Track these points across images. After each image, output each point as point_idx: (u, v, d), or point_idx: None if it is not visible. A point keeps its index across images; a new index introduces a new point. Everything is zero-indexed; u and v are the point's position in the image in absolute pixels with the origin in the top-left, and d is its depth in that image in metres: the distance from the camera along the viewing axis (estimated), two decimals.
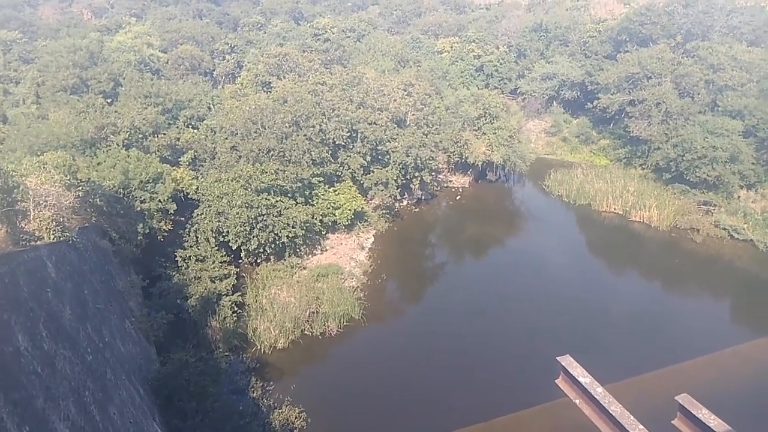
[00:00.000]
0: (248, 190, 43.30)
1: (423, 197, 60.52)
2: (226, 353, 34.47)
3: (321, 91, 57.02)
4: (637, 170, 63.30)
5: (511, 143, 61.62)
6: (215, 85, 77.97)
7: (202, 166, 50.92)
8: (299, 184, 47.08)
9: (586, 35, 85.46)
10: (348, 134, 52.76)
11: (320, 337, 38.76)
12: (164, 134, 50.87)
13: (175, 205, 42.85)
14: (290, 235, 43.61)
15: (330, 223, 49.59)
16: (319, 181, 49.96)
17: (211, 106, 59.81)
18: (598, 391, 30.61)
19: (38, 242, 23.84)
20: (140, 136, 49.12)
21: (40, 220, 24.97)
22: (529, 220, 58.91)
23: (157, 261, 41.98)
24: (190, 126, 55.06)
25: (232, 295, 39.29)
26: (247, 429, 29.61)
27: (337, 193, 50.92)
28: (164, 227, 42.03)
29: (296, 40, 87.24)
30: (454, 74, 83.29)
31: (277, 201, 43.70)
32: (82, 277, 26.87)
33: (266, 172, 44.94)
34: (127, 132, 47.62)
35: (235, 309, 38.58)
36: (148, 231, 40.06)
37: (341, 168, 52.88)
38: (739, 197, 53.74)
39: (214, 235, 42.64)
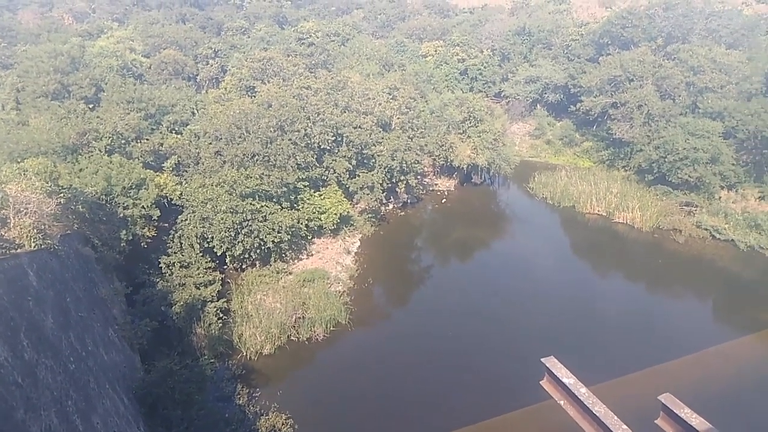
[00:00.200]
0: (233, 195, 43.05)
1: (409, 201, 60.61)
2: (212, 360, 34.08)
3: (306, 96, 56.94)
4: (620, 172, 63.97)
5: (496, 146, 61.96)
6: (199, 90, 77.45)
7: (186, 171, 50.53)
8: (284, 189, 46.90)
9: (568, 39, 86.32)
10: (333, 138, 52.72)
11: (307, 342, 38.60)
12: (147, 140, 50.40)
13: (158, 211, 42.47)
14: (276, 240, 43.41)
15: (316, 228, 49.48)
16: (305, 186, 49.83)
17: (195, 111, 59.41)
18: (582, 391, 30.78)
19: (19, 250, 23.52)
20: (123, 141, 48.64)
21: (21, 228, 24.63)
22: (514, 222, 59.26)
23: (141, 268, 41.57)
24: (174, 131, 54.61)
25: (218, 301, 39.00)
26: None
27: (322, 197, 50.81)
28: (148, 233, 41.61)
29: (280, 44, 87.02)
30: (438, 78, 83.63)
31: (262, 206, 43.49)
32: (64, 285, 26.52)
33: (251, 177, 44.72)
34: (109, 138, 47.13)
35: (221, 315, 38.30)
36: (131, 238, 39.66)
37: (327, 172, 52.81)
38: (720, 198, 54.51)
39: (198, 241, 42.32)
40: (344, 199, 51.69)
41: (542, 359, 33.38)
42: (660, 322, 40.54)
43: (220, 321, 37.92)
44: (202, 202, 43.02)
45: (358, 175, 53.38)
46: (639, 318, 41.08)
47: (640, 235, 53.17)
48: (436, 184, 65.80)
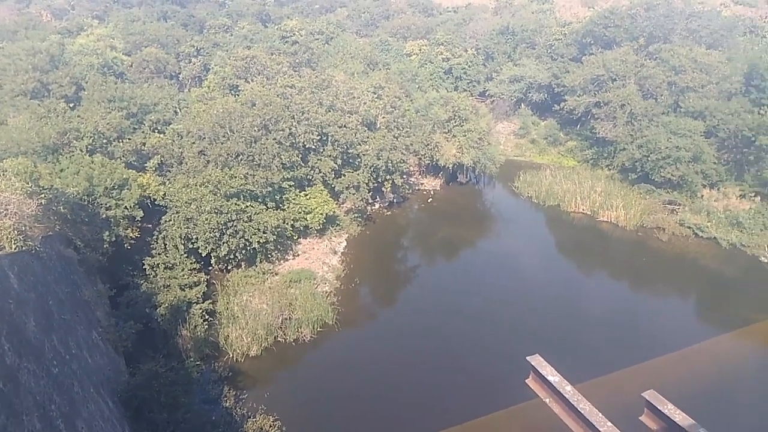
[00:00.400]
0: (217, 195, 42.63)
1: (395, 200, 60.56)
2: (198, 362, 33.78)
3: (290, 94, 56.57)
4: (604, 171, 64.54)
5: (481, 145, 62.15)
6: (181, 89, 76.56)
7: (170, 171, 49.90)
8: (269, 189, 46.56)
9: (552, 38, 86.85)
10: (318, 137, 52.46)
11: (294, 343, 38.38)
12: (129, 139, 49.66)
13: (141, 211, 41.88)
14: (261, 241, 43.07)
15: (302, 228, 49.20)
16: (290, 186, 49.51)
17: (178, 110, 58.68)
18: (567, 389, 31.06)
19: None
20: (104, 141, 47.88)
21: (1, 230, 24.21)
22: (500, 221, 59.51)
23: (125, 269, 41.01)
24: (156, 130, 53.84)
25: (203, 302, 38.65)
26: None
27: (308, 197, 50.54)
28: (131, 234, 41.00)
29: (264, 42, 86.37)
30: (423, 77, 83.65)
31: (247, 206, 43.12)
32: (47, 287, 26.04)
33: (235, 177, 44.31)
34: (90, 137, 46.36)
35: (206, 317, 37.95)
36: (114, 239, 39.05)
37: (312, 172, 52.53)
38: (702, 196, 55.25)
39: (183, 241, 41.83)
40: (330, 198, 51.46)
41: (528, 358, 33.61)
42: (644, 320, 40.98)
43: (206, 323, 37.55)
44: (186, 202, 42.53)
45: (344, 175, 53.20)
46: (623, 316, 41.50)
47: (624, 234, 53.70)
48: (422, 184, 65.83)
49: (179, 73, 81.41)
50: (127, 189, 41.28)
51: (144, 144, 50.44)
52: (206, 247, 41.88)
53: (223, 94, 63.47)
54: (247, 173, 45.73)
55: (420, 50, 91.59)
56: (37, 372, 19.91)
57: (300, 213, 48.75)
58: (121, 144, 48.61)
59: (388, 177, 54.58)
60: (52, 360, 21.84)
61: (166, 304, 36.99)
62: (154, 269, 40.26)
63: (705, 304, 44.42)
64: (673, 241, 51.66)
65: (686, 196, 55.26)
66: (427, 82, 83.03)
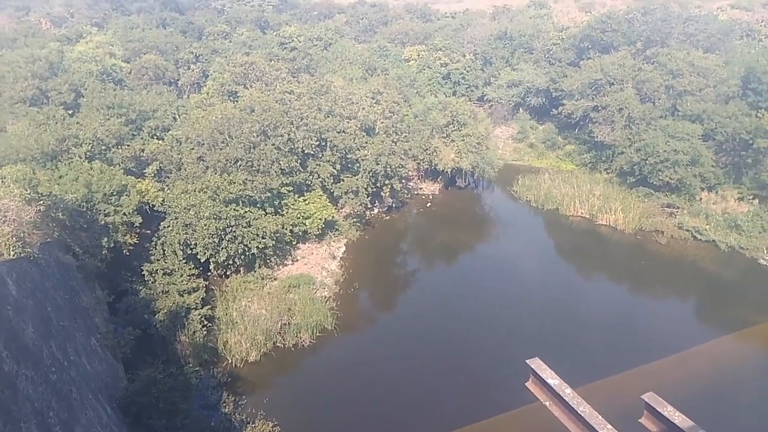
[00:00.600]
0: (216, 201, 42.68)
1: (393, 205, 60.61)
2: (197, 368, 33.71)
3: (289, 100, 56.70)
4: (602, 174, 64.60)
5: (480, 150, 62.28)
6: (180, 95, 76.81)
7: (168, 177, 49.99)
8: (268, 194, 46.61)
9: (549, 43, 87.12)
10: (317, 143, 52.55)
11: (293, 348, 38.34)
12: (128, 145, 49.76)
13: (140, 217, 41.93)
14: (260, 246, 43.09)
15: (300, 233, 49.20)
16: (289, 191, 49.55)
17: (177, 117, 58.86)
18: (567, 392, 31.07)
19: None
20: (103, 147, 47.96)
21: (0, 236, 24.15)
22: (498, 225, 59.53)
23: (123, 276, 40.98)
24: (155, 137, 53.99)
25: (202, 308, 38.59)
26: None
27: (307, 202, 50.59)
28: (130, 241, 41.04)
29: (262, 48, 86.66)
30: (421, 82, 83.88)
31: (246, 212, 43.16)
32: (45, 293, 26.04)
33: (234, 183, 44.38)
34: (89, 144, 46.44)
35: (205, 323, 37.90)
36: (113, 245, 39.10)
37: (311, 177, 52.59)
38: (700, 199, 55.28)
39: (181, 247, 41.86)
40: (329, 204, 51.53)
41: (527, 361, 33.65)
42: (643, 322, 40.96)
43: (205, 328, 37.49)
44: (184, 208, 42.57)
45: (343, 180, 53.25)
46: (622, 319, 41.47)
47: (622, 237, 53.70)
48: (420, 188, 65.90)
49: (178, 80, 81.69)
50: (126, 195, 41.35)
51: (143, 150, 50.55)
52: (205, 253, 41.90)
53: (222, 100, 63.63)
54: (246, 179, 45.80)
55: (418, 56, 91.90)
56: (35, 379, 19.91)
57: (299, 218, 48.78)
58: (119, 150, 48.71)
59: (386, 182, 54.63)
60: (50, 366, 21.83)
61: (165, 310, 36.96)
62: (153, 275, 40.27)
63: (704, 307, 44.37)
64: (672, 244, 51.67)
65: (684, 199, 55.29)
66: (425, 87, 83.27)
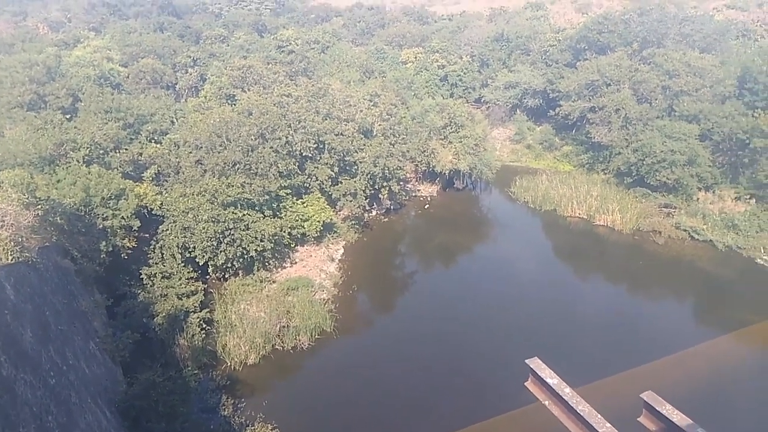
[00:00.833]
0: (214, 204, 42.71)
1: (392, 207, 60.69)
2: (196, 371, 33.74)
3: (286, 103, 56.79)
4: (600, 175, 64.74)
5: (477, 151, 62.39)
6: (178, 99, 76.79)
7: (166, 181, 50.02)
8: (267, 197, 46.66)
9: (546, 44, 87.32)
10: (315, 146, 52.62)
11: (292, 351, 38.37)
12: (126, 149, 49.79)
13: (138, 221, 41.93)
14: (258, 249, 43.13)
15: (299, 236, 49.24)
16: (287, 194, 49.60)
17: (175, 120, 58.87)
18: (566, 391, 31.14)
19: None
20: (101, 152, 47.95)
21: None
22: (496, 226, 59.63)
23: (122, 279, 40.98)
24: (153, 140, 53.99)
25: (200, 311, 38.57)
26: None
27: (305, 205, 50.64)
28: (128, 244, 41.02)
29: (260, 52, 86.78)
30: (419, 84, 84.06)
31: (244, 214, 43.20)
32: (43, 298, 26.06)
33: (232, 186, 44.43)
34: (87, 148, 46.45)
35: (204, 326, 37.89)
36: (111, 249, 39.07)
37: (309, 180, 52.66)
38: (697, 199, 55.40)
39: (180, 251, 41.88)
40: (327, 206, 51.58)
41: (526, 361, 33.73)
42: (641, 323, 41.04)
43: (204, 331, 37.50)
44: (183, 211, 42.61)
45: (341, 182, 53.33)
46: (620, 319, 41.54)
47: (620, 237, 53.81)
48: (418, 190, 66.00)
49: (176, 84, 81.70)
50: (124, 199, 41.33)
51: (141, 154, 50.56)
52: (203, 256, 41.93)
53: (220, 103, 63.70)
54: (244, 182, 45.84)
55: (415, 58, 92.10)
56: (34, 383, 19.92)
57: (297, 221, 48.82)
58: (117, 154, 48.73)
59: (384, 184, 54.74)
60: (49, 371, 21.85)
61: (164, 314, 36.95)
62: (152, 279, 40.27)
63: (701, 307, 44.46)
64: (670, 244, 51.78)
65: (682, 200, 55.44)
66: (422, 90, 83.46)
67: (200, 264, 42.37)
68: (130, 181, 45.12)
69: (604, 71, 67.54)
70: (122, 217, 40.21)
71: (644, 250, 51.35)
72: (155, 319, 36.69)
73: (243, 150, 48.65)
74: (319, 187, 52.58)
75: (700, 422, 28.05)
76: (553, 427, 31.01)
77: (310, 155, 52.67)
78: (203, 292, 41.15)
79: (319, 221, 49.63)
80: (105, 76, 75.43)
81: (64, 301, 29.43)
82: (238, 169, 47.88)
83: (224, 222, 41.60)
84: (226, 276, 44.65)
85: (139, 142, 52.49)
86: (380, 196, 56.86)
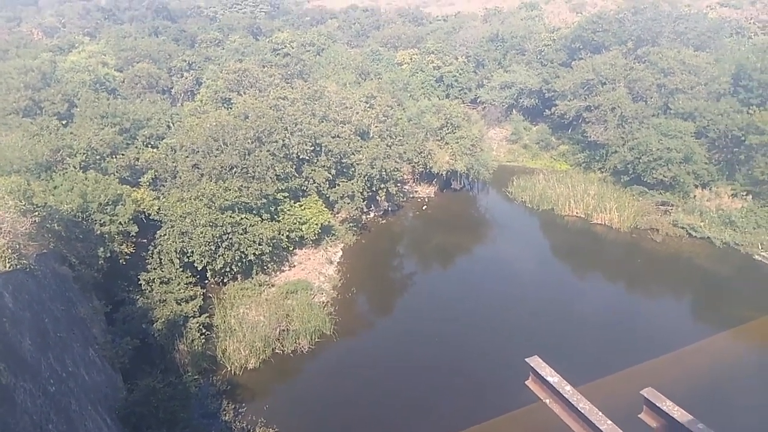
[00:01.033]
0: (212, 208, 42.65)
1: (389, 208, 60.68)
2: (196, 377, 33.68)
3: (283, 106, 56.76)
4: (597, 174, 64.85)
5: (474, 152, 62.43)
6: (174, 103, 76.74)
7: (164, 185, 49.96)
8: (264, 201, 46.62)
9: (541, 44, 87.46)
10: (312, 148, 52.62)
11: (292, 355, 38.32)
12: (123, 155, 49.73)
13: (136, 227, 41.87)
14: (257, 253, 43.08)
15: (297, 239, 49.24)
16: (285, 197, 49.58)
17: (171, 125, 58.80)
18: (567, 389, 31.06)
19: None
20: (98, 157, 47.90)
21: None
22: (494, 226, 59.67)
23: (120, 285, 40.89)
24: (150, 145, 53.92)
25: (200, 316, 38.54)
26: None
27: (303, 207, 50.62)
28: (126, 250, 40.96)
29: (255, 55, 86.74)
30: (414, 85, 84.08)
31: (242, 218, 43.15)
32: (42, 305, 25.99)
33: (230, 190, 44.39)
34: (83, 154, 46.39)
35: (203, 331, 37.85)
36: (109, 255, 39.00)
37: (306, 182, 52.65)
38: (694, 196, 55.53)
39: (178, 256, 41.81)
40: (325, 208, 51.55)
41: (527, 359, 33.60)
42: (640, 321, 41.11)
43: (203, 336, 37.44)
44: (180, 216, 42.54)
45: (338, 185, 53.33)
46: (619, 318, 41.61)
47: (618, 236, 53.90)
48: (416, 191, 66.02)
49: (171, 88, 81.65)
50: (122, 204, 41.26)
51: (137, 159, 50.51)
52: (202, 261, 41.86)
53: (216, 107, 63.62)
54: (242, 185, 45.81)
55: (411, 59, 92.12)
56: (33, 391, 19.85)
57: (295, 224, 48.81)
58: (114, 160, 48.67)
59: (382, 186, 54.76)
60: (48, 378, 21.78)
61: (163, 319, 36.88)
62: (150, 284, 40.19)
63: (700, 304, 44.57)
64: (667, 241, 51.89)
65: (679, 197, 55.56)
66: (418, 91, 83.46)
67: (199, 269, 42.31)
68: (127, 187, 45.08)
69: (600, 70, 67.69)
70: (120, 223, 40.15)
71: (642, 248, 51.45)
72: (154, 325, 36.62)
73: (240, 153, 48.60)
74: (316, 190, 52.57)
75: (700, 418, 27.99)
76: (555, 425, 30.92)
77: (307, 158, 52.67)
78: (202, 296, 41.11)
79: (317, 224, 49.61)
80: (100, 81, 75.37)
81: (63, 308, 29.35)
82: (235, 172, 47.83)
83: (222, 226, 41.55)
84: (225, 280, 44.59)
85: (136, 147, 52.40)
86: (378, 197, 56.88)
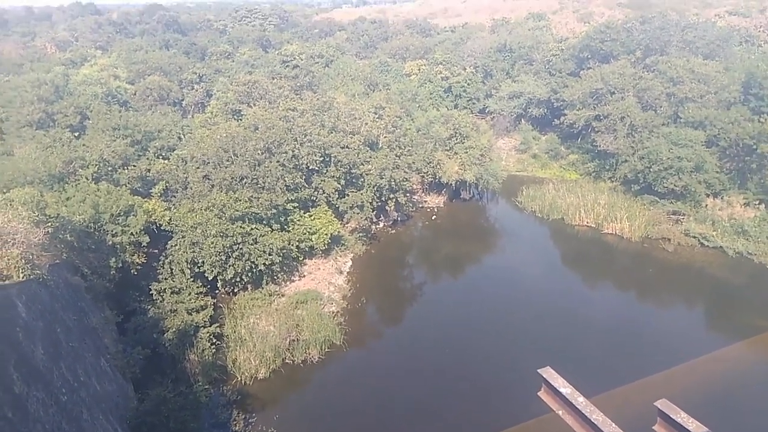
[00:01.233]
0: (222, 219, 42.84)
1: (399, 218, 60.70)
2: (206, 386, 33.60)
3: (292, 117, 57.14)
4: (607, 183, 64.63)
5: (483, 162, 62.48)
6: (185, 115, 77.54)
7: (175, 196, 50.30)
8: (274, 211, 46.78)
9: (549, 54, 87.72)
10: (321, 159, 52.84)
11: (302, 365, 38.21)
12: (134, 166, 50.21)
13: (147, 237, 42.13)
14: (267, 263, 43.14)
15: (307, 249, 49.29)
16: (294, 207, 49.73)
17: (182, 136, 59.37)
18: (580, 401, 30.84)
19: (7, 281, 23.19)
20: (110, 168, 48.39)
21: (9, 259, 24.30)
22: (504, 236, 59.47)
23: (132, 295, 41.06)
24: (161, 157, 54.45)
25: (210, 326, 38.55)
26: None
27: (312, 218, 50.73)
28: (137, 260, 41.20)
29: (265, 67, 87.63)
30: (423, 96, 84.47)
31: (252, 229, 43.29)
32: (54, 315, 26.13)
33: (240, 200, 44.59)
34: (96, 165, 46.87)
35: (214, 341, 37.83)
36: (120, 265, 39.24)
37: (316, 193, 52.82)
38: (706, 205, 55.14)
39: (189, 266, 41.96)
40: (334, 219, 51.64)
41: (539, 370, 33.46)
42: (653, 331, 40.67)
43: (214, 346, 37.43)
44: (191, 226, 42.75)
45: (348, 195, 53.44)
46: (632, 327, 41.19)
47: (629, 245, 53.55)
48: (425, 201, 66.04)
49: (182, 100, 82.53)
50: (133, 215, 41.56)
51: (149, 170, 50.96)
52: (212, 271, 41.97)
53: (226, 118, 64.18)
54: (252, 196, 46.01)
55: (419, 70, 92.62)
56: (45, 400, 19.93)
57: (305, 234, 48.89)
58: (126, 171, 49.12)
59: (391, 196, 54.83)
60: (60, 388, 21.86)
61: (174, 329, 36.94)
62: (161, 294, 40.33)
63: (713, 314, 44.05)
64: (679, 251, 51.48)
65: (690, 206, 55.18)
66: (427, 101, 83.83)
67: (209, 279, 42.41)
68: (139, 198, 45.45)
69: (608, 79, 67.69)
70: (131, 234, 40.41)
71: (654, 258, 51.06)
72: (165, 335, 36.68)
73: (250, 164, 48.88)
74: (326, 200, 52.69)
75: (716, 430, 27.67)
76: None
77: (316, 168, 52.88)
78: (213, 306, 41.14)
79: (326, 234, 49.67)
80: (112, 93, 76.35)
81: (75, 318, 29.50)
82: (245, 183, 48.09)
83: (232, 236, 41.70)
84: (235, 290, 44.67)
85: (147, 159, 52.89)
86: (387, 207, 56.92)
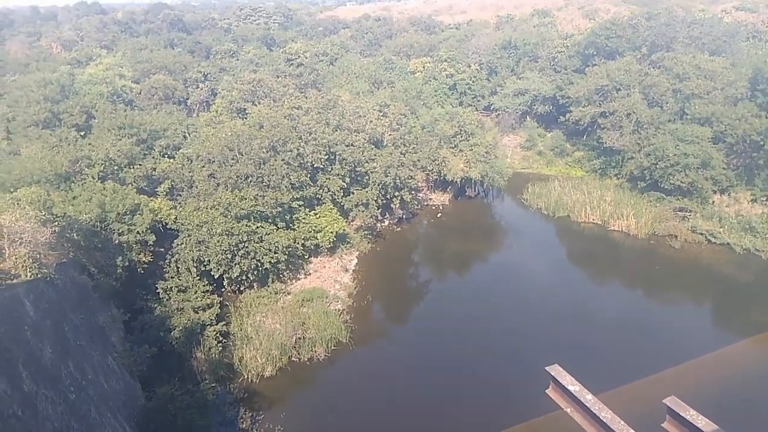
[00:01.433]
0: (228, 217, 42.90)
1: (404, 216, 60.66)
2: (213, 384, 33.64)
3: (297, 115, 57.13)
4: (613, 180, 64.39)
5: (488, 159, 62.35)
6: (190, 114, 77.62)
7: (180, 195, 50.36)
8: (279, 209, 46.79)
9: (554, 51, 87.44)
10: (326, 157, 52.81)
11: (308, 362, 38.25)
12: (140, 165, 50.26)
13: (154, 236, 42.13)
14: (273, 261, 43.17)
15: (312, 247, 49.29)
16: (300, 205, 49.73)
17: (187, 135, 59.41)
18: (588, 398, 30.75)
19: (14, 280, 23.28)
20: (115, 167, 48.45)
21: (16, 258, 24.40)
22: (510, 233, 59.36)
23: (138, 294, 41.10)
24: (166, 155, 54.50)
25: (217, 324, 38.58)
26: None
27: (318, 216, 50.72)
28: (144, 259, 41.24)
29: (269, 65, 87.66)
30: (428, 93, 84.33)
31: (257, 227, 43.33)
32: (62, 314, 26.21)
33: (245, 199, 44.62)
34: (102, 164, 46.92)
35: (220, 339, 37.89)
36: (127, 264, 39.28)
37: (321, 191, 52.79)
38: (713, 202, 54.90)
39: (195, 264, 42.00)
40: (339, 217, 51.62)
41: (547, 368, 33.38)
42: (660, 327, 40.52)
43: (220, 344, 37.51)
44: (197, 225, 42.81)
45: (353, 193, 53.41)
46: (640, 324, 41.05)
47: (636, 242, 53.37)
48: (430, 199, 65.96)
49: (187, 99, 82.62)
50: (139, 214, 41.59)
51: (154, 169, 51.01)
52: (218, 269, 42.03)
53: (231, 117, 64.25)
54: (257, 194, 46.04)
55: (424, 67, 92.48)
56: (54, 398, 20.02)
57: (310, 232, 48.89)
58: (131, 170, 49.18)
59: (396, 193, 54.77)
60: (68, 386, 21.95)
61: (180, 327, 36.99)
62: (168, 293, 40.38)
63: (721, 311, 43.84)
64: (686, 248, 51.25)
65: (697, 203, 54.91)
66: (432, 99, 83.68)
67: (215, 277, 42.46)
68: (145, 196, 45.46)
69: (614, 76, 67.41)
70: (138, 232, 40.44)
71: (661, 255, 50.87)
72: (172, 333, 36.72)
73: (255, 163, 48.91)
74: (331, 198, 52.66)
75: (726, 428, 27.54)
76: None
77: (321, 166, 52.86)
78: (219, 305, 41.18)
79: (332, 232, 49.66)
80: (117, 92, 76.53)
81: (82, 317, 29.59)
82: (250, 181, 48.12)
83: (238, 235, 41.74)
84: (242, 288, 44.73)
85: (153, 158, 52.96)
86: (392, 205, 56.87)
